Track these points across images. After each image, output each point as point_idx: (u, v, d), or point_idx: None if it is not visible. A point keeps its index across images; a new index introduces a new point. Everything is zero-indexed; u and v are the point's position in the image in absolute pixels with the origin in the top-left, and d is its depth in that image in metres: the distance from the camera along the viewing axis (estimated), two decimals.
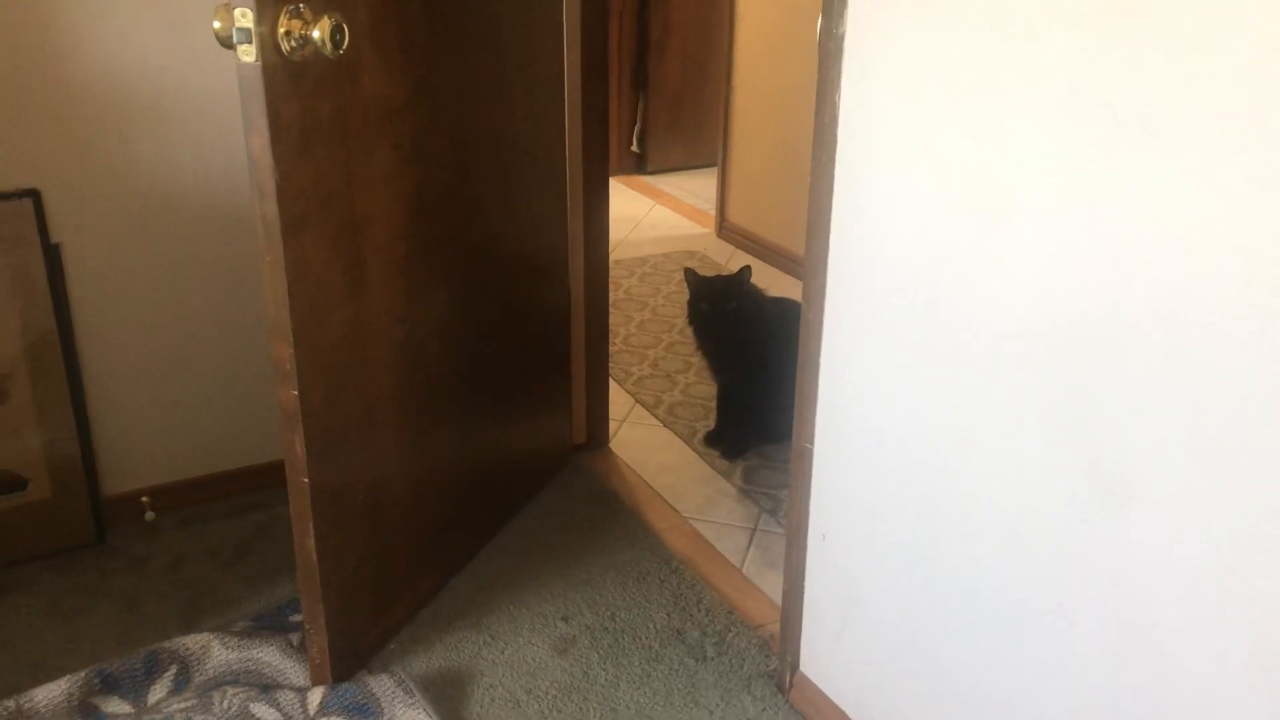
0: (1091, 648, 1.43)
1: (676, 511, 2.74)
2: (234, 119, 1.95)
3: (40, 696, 1.96)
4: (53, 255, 2.33)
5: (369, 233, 1.94)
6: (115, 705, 1.99)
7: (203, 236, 2.49)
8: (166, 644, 2.10)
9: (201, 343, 2.57)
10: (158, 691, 2.02)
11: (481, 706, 2.04)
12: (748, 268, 3.00)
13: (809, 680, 2.02)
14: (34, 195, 2.28)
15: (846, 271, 1.74)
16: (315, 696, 1.99)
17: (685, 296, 3.04)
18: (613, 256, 3.39)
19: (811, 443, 1.90)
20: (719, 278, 2.99)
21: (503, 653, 2.19)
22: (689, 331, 3.08)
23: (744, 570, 2.51)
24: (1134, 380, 1.30)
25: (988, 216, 1.46)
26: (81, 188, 2.34)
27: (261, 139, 1.65)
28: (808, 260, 1.82)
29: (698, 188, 5.56)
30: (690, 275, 2.99)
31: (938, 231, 1.54)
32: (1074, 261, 1.34)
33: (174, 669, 2.06)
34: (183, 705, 1.98)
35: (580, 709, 2.05)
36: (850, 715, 1.93)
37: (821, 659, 1.99)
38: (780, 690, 2.09)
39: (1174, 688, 1.33)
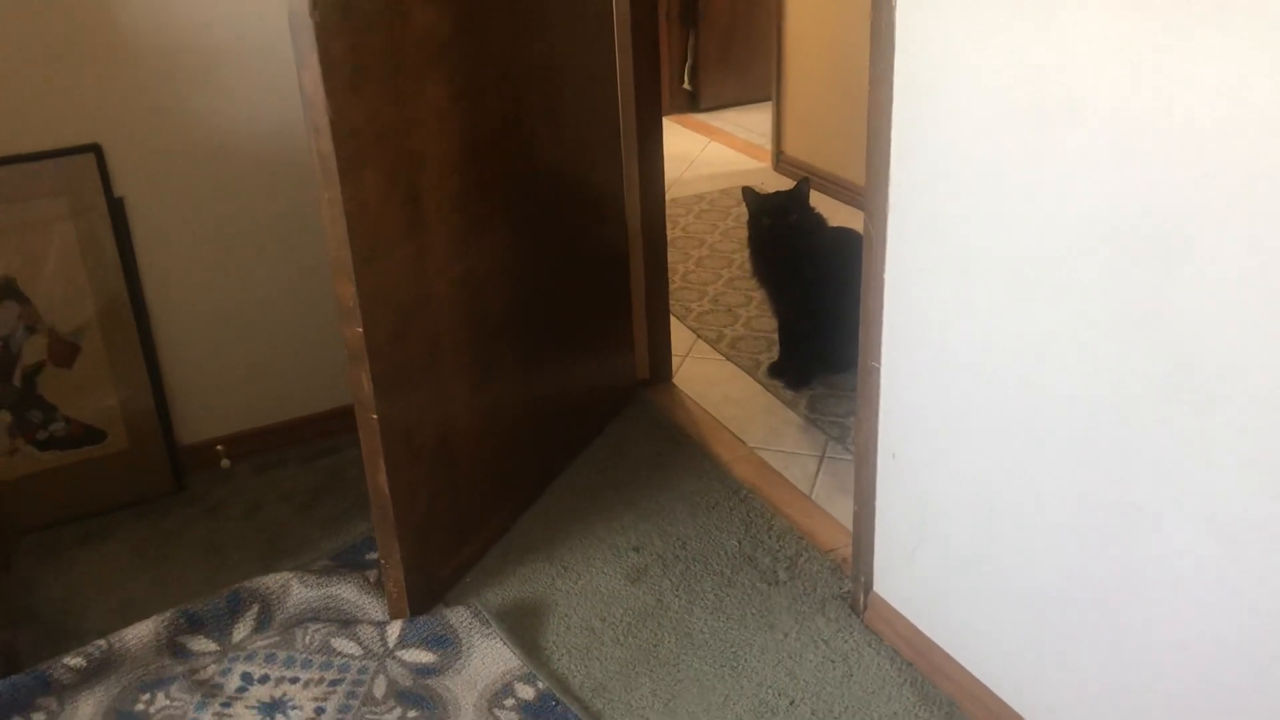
0: (1172, 549, 1.40)
1: (743, 442, 2.73)
2: (284, 61, 1.95)
3: (130, 636, 2.01)
4: (117, 209, 2.36)
5: (425, 169, 1.94)
6: (201, 643, 2.04)
7: (261, 182, 2.51)
8: (248, 584, 2.15)
9: (267, 291, 2.60)
10: (241, 629, 2.07)
11: (557, 635, 2.07)
12: (806, 179, 2.95)
13: (883, 600, 2.02)
14: (96, 150, 2.31)
15: (908, 182, 1.71)
16: (394, 630, 2.03)
17: (743, 233, 3.00)
18: (669, 195, 3.35)
19: (878, 360, 1.87)
20: (778, 193, 2.93)
21: (576, 583, 2.21)
22: (748, 265, 3.05)
23: (813, 496, 2.50)
24: (1214, 275, 1.26)
25: (1053, 115, 1.41)
26: (141, 140, 2.36)
27: (313, 74, 1.65)
28: (869, 173, 1.78)
29: (752, 122, 5.49)
30: (749, 193, 2.94)
31: (1001, 135, 1.50)
32: (1146, 155, 1.30)
33: (256, 607, 2.11)
34: (266, 642, 2.02)
35: (655, 634, 2.06)
36: (926, 632, 1.92)
37: (895, 578, 1.98)
38: (854, 611, 2.08)
39: (1266, 584, 1.30)
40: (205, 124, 2.41)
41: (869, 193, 1.79)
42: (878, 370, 1.88)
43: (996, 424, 1.66)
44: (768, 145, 4.92)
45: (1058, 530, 1.58)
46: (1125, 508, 1.46)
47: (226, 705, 1.90)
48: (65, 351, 2.40)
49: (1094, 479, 1.50)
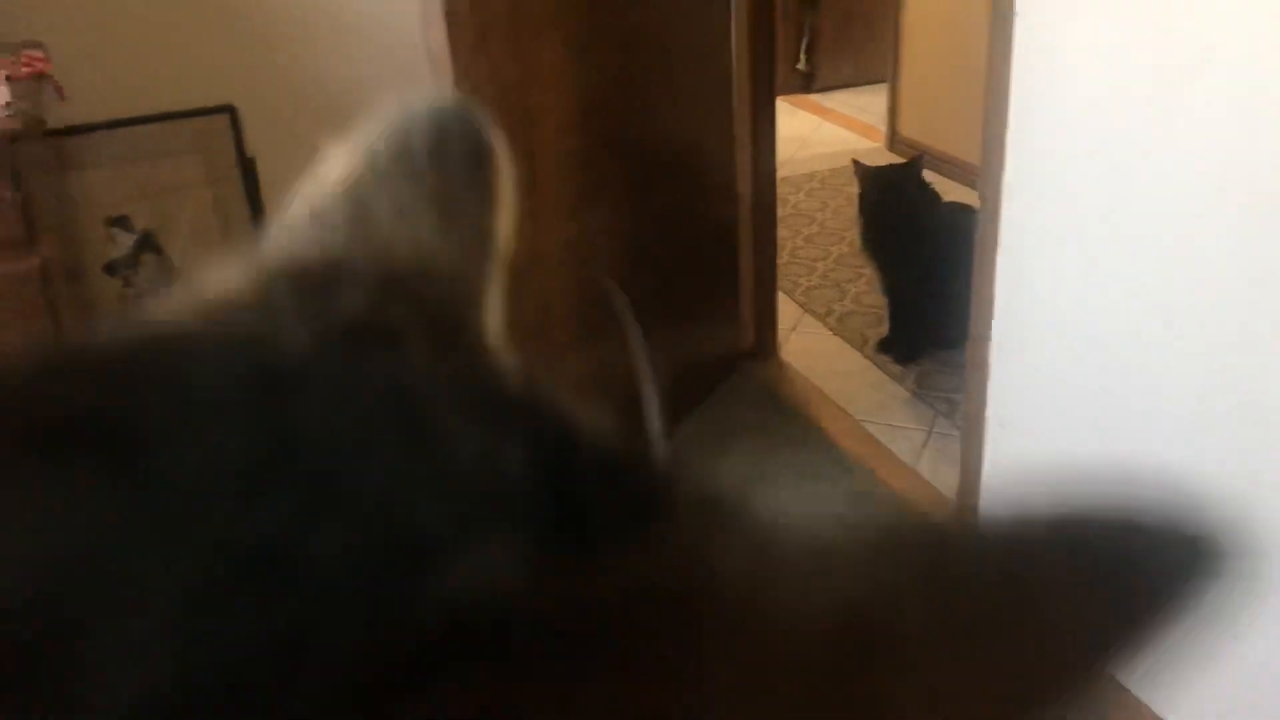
0: None
1: (848, 415, 2.72)
2: (410, 20, 2.01)
3: None
4: (249, 169, 2.46)
5: (540, 127, 1.98)
6: None
7: None
8: None
9: None
10: None
11: None
12: (920, 156, 2.93)
13: None
14: (229, 110, 2.41)
15: (1026, 142, 1.69)
16: None
17: (854, 211, 2.99)
18: (780, 174, 3.36)
19: (989, 328, 1.86)
20: (889, 166, 2.92)
21: None
22: (859, 239, 3.04)
23: (919, 470, 2.48)
24: None
25: (1180, 69, 1.38)
26: (273, 101, 2.46)
27: (439, 32, 1.70)
28: (985, 134, 1.77)
29: (866, 103, 5.43)
30: (859, 166, 2.93)
31: (1125, 91, 1.48)
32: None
33: None
34: None
35: None
36: None
37: None
38: None
39: None
40: (333, 85, 2.50)
41: (985, 152, 1.77)
42: (987, 338, 1.87)
43: (1112, 393, 1.63)
44: (882, 126, 4.87)
45: None
46: (1245, 478, 1.43)
47: None
48: None
49: (1216, 452, 1.47)
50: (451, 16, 1.70)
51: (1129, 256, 1.54)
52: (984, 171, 1.78)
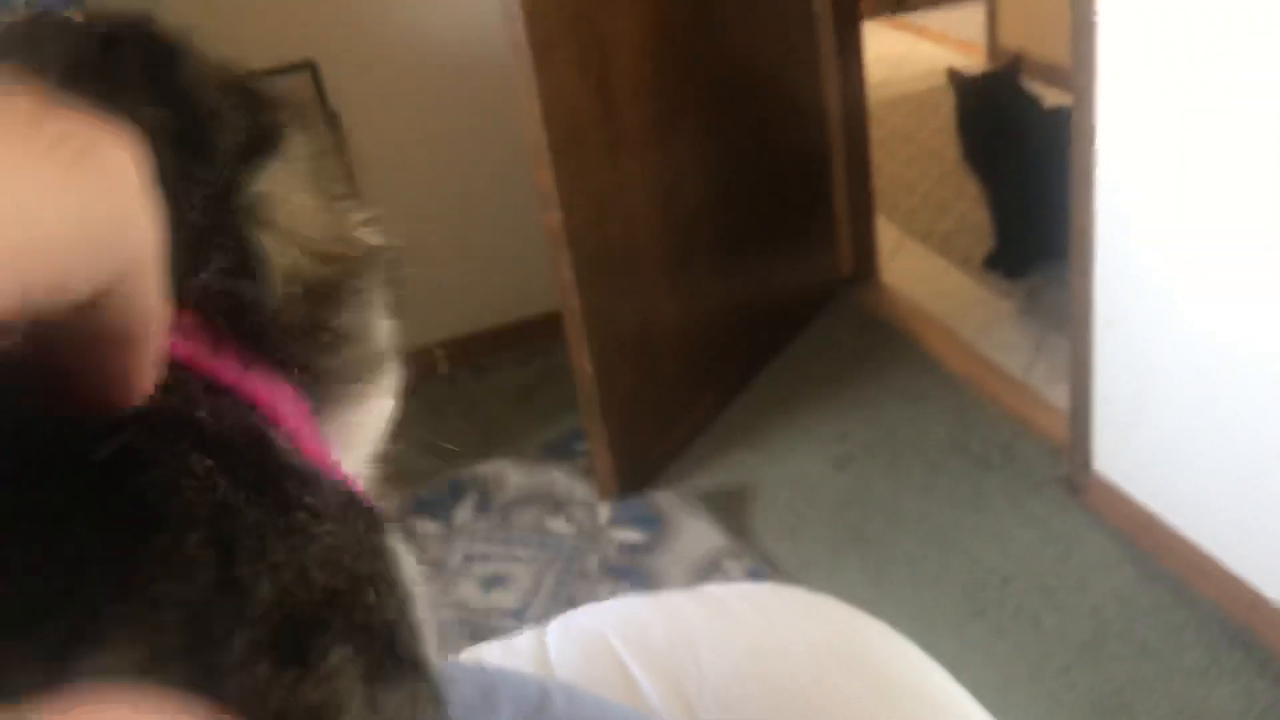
0: None
1: (954, 334, 2.64)
2: None
3: None
4: (332, 123, 2.49)
5: (615, 53, 1.95)
6: (426, 526, 2.16)
7: (464, 89, 2.58)
8: (466, 471, 2.26)
9: (476, 197, 2.69)
10: (463, 513, 2.18)
11: (763, 517, 2.08)
12: (1018, 57, 2.81)
13: (1102, 478, 1.92)
14: (312, 67, 2.44)
15: (1122, 27, 1.59)
16: (604, 511, 2.09)
17: (954, 131, 2.88)
18: (875, 96, 3.24)
19: (1092, 222, 1.77)
20: (986, 73, 2.80)
21: (781, 469, 2.21)
22: (959, 152, 2.93)
23: (1029, 385, 2.40)
24: None
25: None
26: (352, 55, 2.48)
27: None
28: (1073, 20, 1.67)
29: (962, 19, 5.23)
30: (955, 75, 2.82)
31: None
32: None
33: (475, 493, 2.22)
34: (486, 525, 2.12)
35: (861, 517, 2.04)
36: (1150, 507, 1.82)
37: (1115, 454, 1.89)
38: (1072, 492, 2.00)
39: None
40: (409, 35, 2.50)
41: (1074, 38, 1.68)
42: (1091, 232, 1.78)
43: (1225, 280, 1.54)
44: (980, 40, 4.69)
45: None
46: None
47: (450, 580, 2.01)
48: None
49: None
50: None
51: (1238, 138, 1.44)
52: (1075, 50, 1.69)
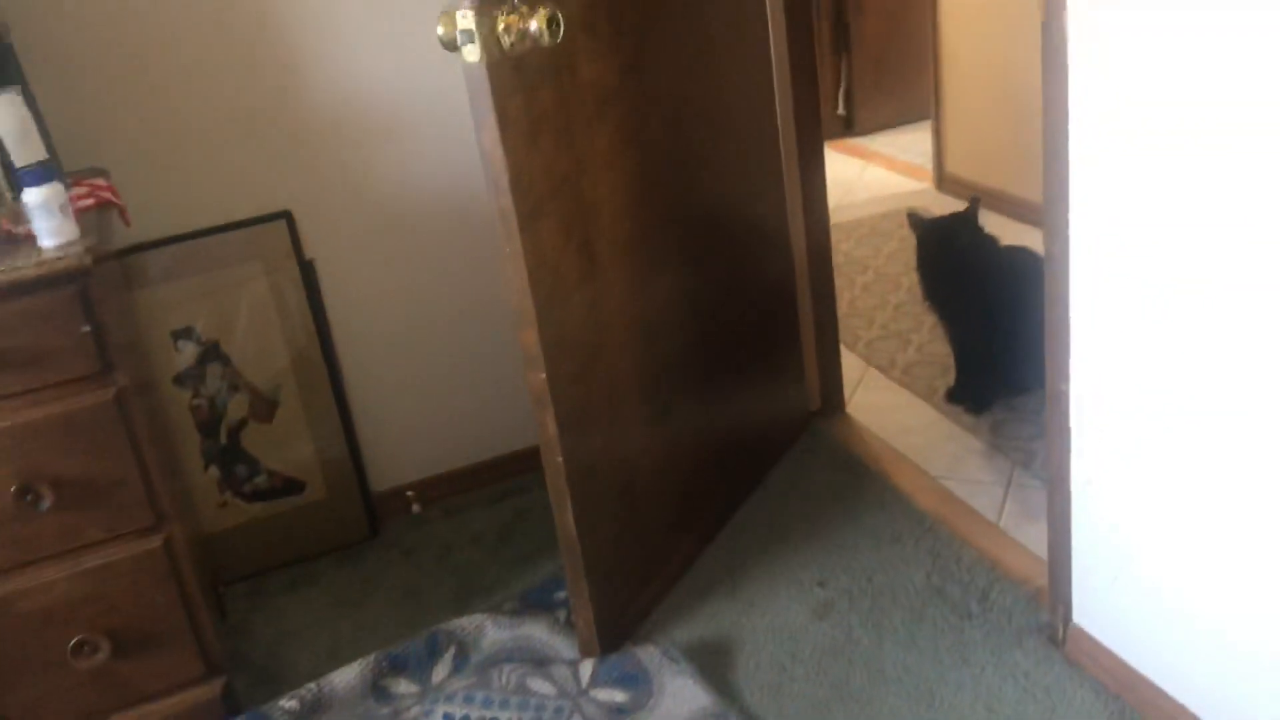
0: None
1: (924, 471, 2.67)
2: (461, 122, 2.04)
3: (338, 680, 2.10)
4: (308, 271, 2.49)
5: (597, 216, 1.99)
6: (404, 685, 2.12)
7: (440, 238, 2.61)
8: (444, 626, 2.22)
9: (448, 341, 2.70)
10: (441, 671, 2.14)
11: (747, 672, 2.06)
12: (977, 198, 2.89)
13: (1084, 631, 1.94)
14: (287, 216, 2.45)
15: (1092, 194, 1.66)
16: (586, 669, 2.06)
17: (908, 256, 2.95)
18: (829, 222, 3.33)
19: (1067, 383, 1.82)
20: (945, 216, 2.88)
21: (762, 619, 2.20)
22: (917, 289, 3.00)
23: (1001, 525, 2.43)
24: None
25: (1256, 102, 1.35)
26: (328, 205, 2.49)
27: (492, 134, 1.71)
28: (1046, 184, 1.73)
29: (909, 143, 5.41)
30: (914, 218, 2.90)
31: (1201, 135, 1.45)
32: None
33: (453, 649, 2.18)
34: (464, 683, 2.08)
35: (846, 671, 2.03)
36: (1132, 664, 1.84)
37: (1096, 608, 1.91)
38: (1053, 643, 2.01)
39: None
40: (389, 188, 2.53)
41: (1048, 204, 1.74)
42: (1066, 394, 1.83)
43: (1198, 447, 1.58)
44: (928, 165, 4.84)
45: (1276, 555, 1.50)
46: None
47: None
48: (265, 407, 2.54)
49: None
50: (503, 117, 1.71)
51: (1212, 305, 1.50)
52: (1047, 220, 1.74)
